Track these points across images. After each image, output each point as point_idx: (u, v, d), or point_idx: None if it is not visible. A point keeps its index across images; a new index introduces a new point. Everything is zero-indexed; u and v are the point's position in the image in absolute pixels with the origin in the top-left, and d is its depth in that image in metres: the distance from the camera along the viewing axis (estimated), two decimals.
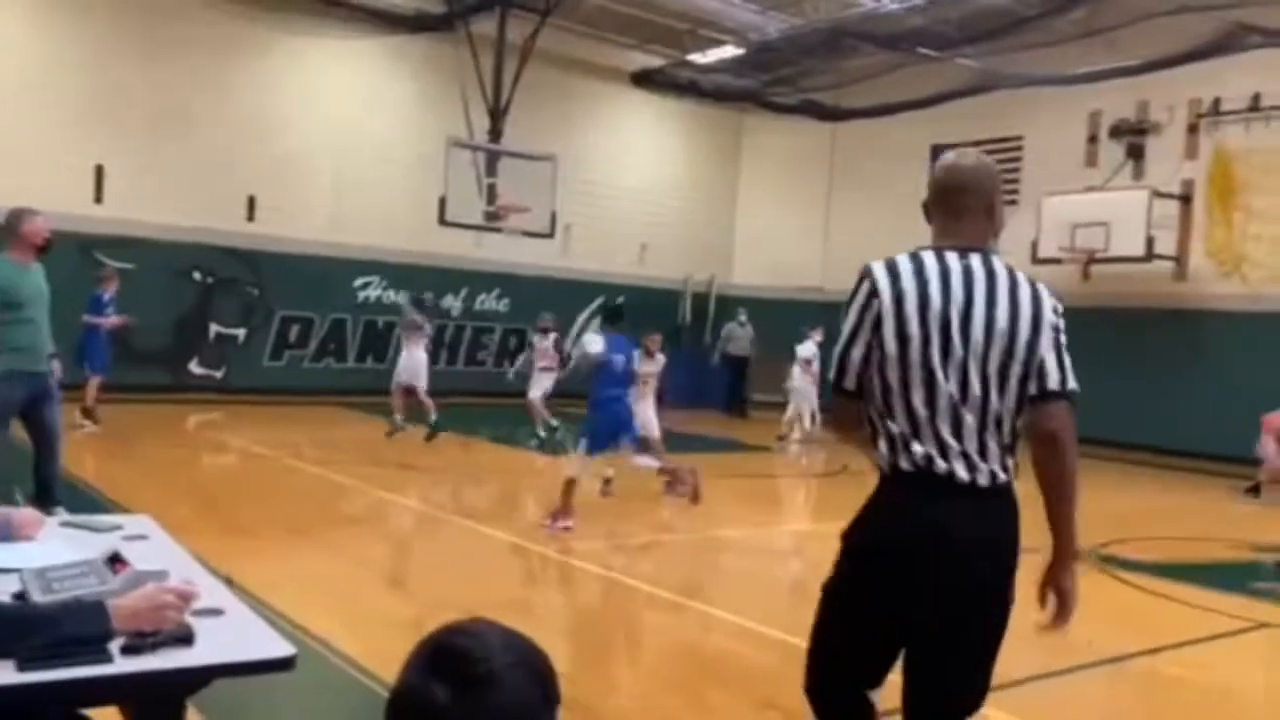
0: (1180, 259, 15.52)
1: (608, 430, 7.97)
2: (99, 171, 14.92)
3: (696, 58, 18.63)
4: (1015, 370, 2.49)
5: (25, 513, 2.82)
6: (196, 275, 15.94)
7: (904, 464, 2.44)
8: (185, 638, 2.00)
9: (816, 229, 21.13)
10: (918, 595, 2.42)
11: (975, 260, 2.56)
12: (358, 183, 17.02)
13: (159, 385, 15.19)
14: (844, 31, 16.44)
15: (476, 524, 7.88)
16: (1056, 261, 15.91)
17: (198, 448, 11.10)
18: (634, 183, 20.20)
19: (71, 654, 1.90)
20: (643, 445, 9.03)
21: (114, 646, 1.95)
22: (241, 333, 16.47)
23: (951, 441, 2.42)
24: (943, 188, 2.66)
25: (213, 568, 2.74)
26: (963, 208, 2.63)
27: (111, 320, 11.60)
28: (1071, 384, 2.54)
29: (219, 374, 16.17)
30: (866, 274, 2.55)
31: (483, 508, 8.49)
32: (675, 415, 16.85)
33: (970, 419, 2.44)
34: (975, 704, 2.56)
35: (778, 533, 7.89)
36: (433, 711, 1.11)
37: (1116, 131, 16.25)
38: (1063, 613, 2.57)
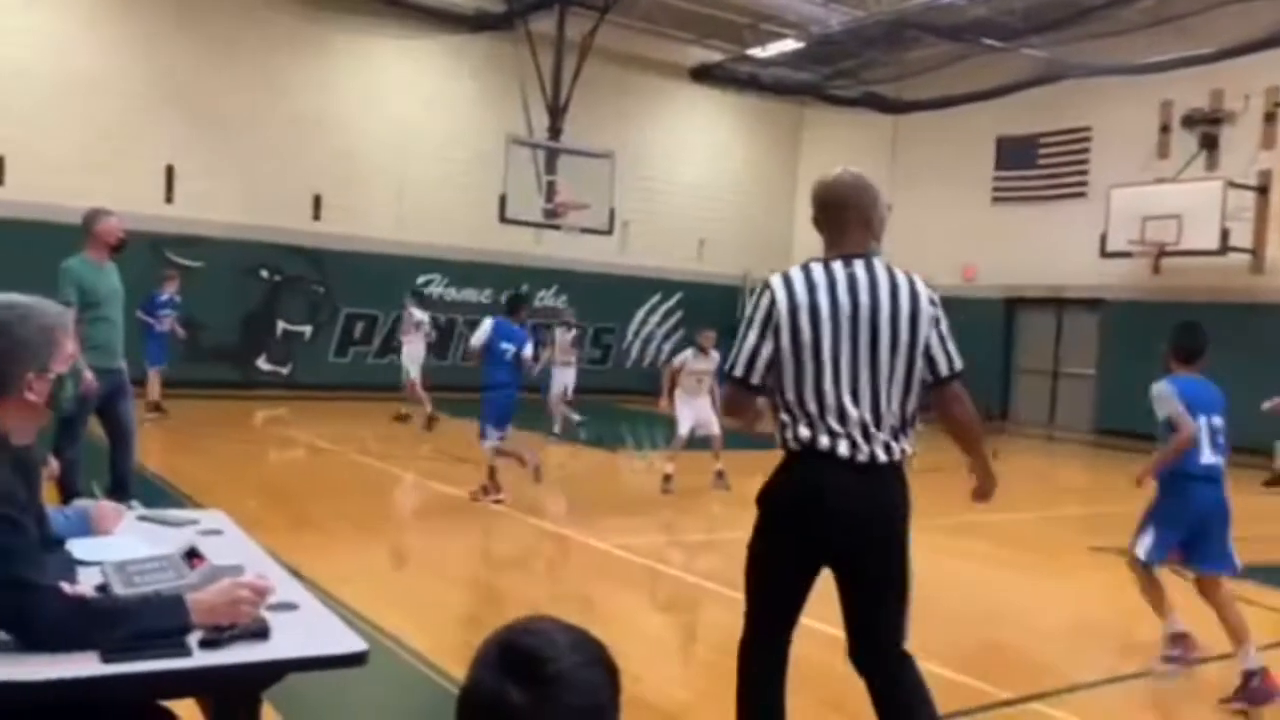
0: (1257, 251, 15.08)
1: (495, 415, 8.19)
2: (169, 172, 15.28)
3: (756, 52, 18.53)
4: (900, 363, 2.91)
5: (104, 506, 2.88)
6: (264, 273, 16.26)
7: (802, 443, 2.90)
8: (261, 632, 2.04)
9: None
10: (814, 547, 2.94)
11: (858, 266, 2.95)
12: (420, 181, 17.22)
13: (228, 381, 15.53)
14: (906, 23, 16.22)
15: (536, 519, 7.93)
16: (1126, 255, 15.56)
17: (265, 442, 11.33)
18: (692, 178, 20.17)
19: (152, 647, 1.95)
20: (705, 443, 9.17)
21: (192, 640, 2.00)
22: (308, 330, 16.77)
23: (838, 427, 2.87)
24: (823, 204, 3.05)
25: (283, 561, 2.79)
26: (844, 221, 3.01)
27: (165, 323, 12.10)
28: (959, 365, 3.01)
29: (286, 370, 16.49)
30: (766, 287, 2.96)
31: (541, 503, 8.55)
32: None
33: (855, 409, 2.87)
34: (895, 634, 2.98)
35: None
36: (506, 712, 1.12)
37: (1189, 121, 15.82)
38: (982, 493, 3.33)
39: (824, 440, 2.86)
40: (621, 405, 16.15)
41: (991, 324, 18.75)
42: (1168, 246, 15.04)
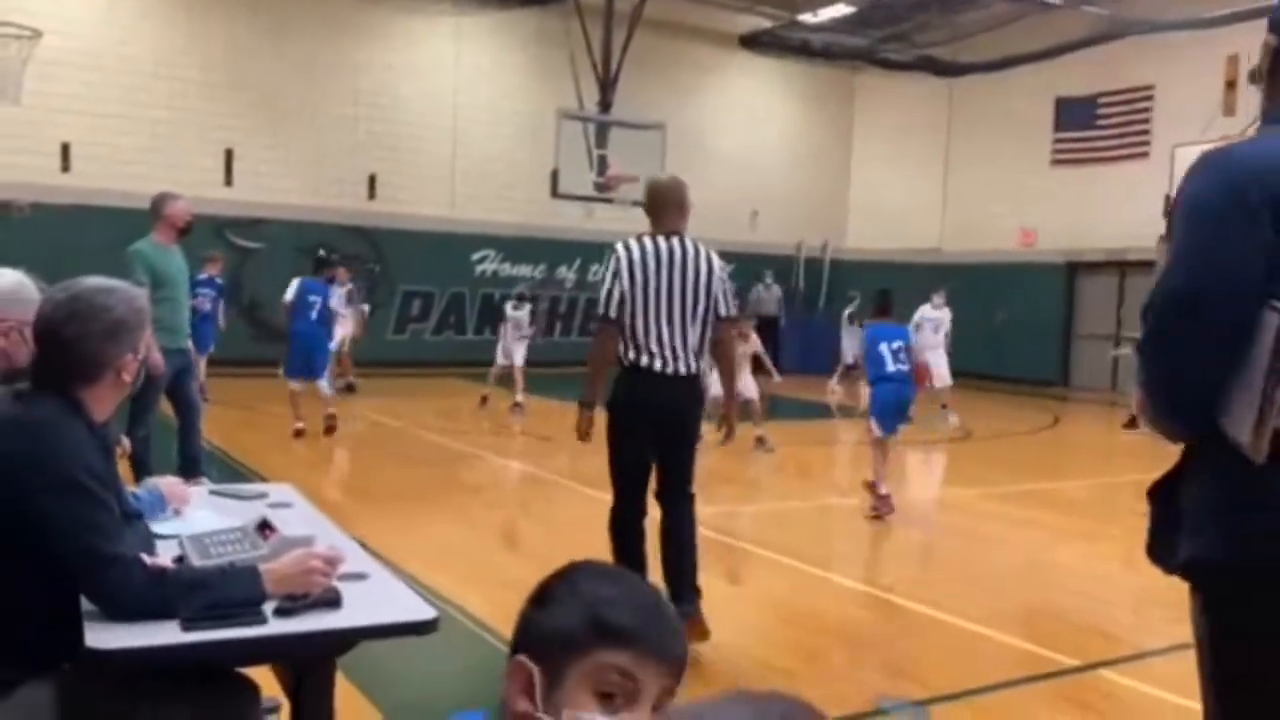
0: None
1: (298, 360, 9.89)
2: (228, 155, 15.53)
3: (807, 17, 18.29)
4: (699, 308, 4.29)
5: (174, 483, 2.97)
6: (322, 253, 16.48)
7: (634, 362, 4.26)
8: (333, 601, 2.10)
9: (934, 189, 20.60)
10: (648, 430, 4.34)
11: (675, 241, 4.34)
12: (472, 159, 17.31)
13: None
14: None
15: (594, 490, 7.99)
16: None
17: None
18: (744, 148, 20.01)
19: (229, 616, 2.01)
20: (745, 411, 9.31)
21: (268, 609, 2.06)
22: (366, 308, 16.99)
23: (656, 349, 4.24)
24: (651, 198, 4.51)
25: (349, 533, 2.85)
26: (664, 208, 4.43)
27: (204, 303, 11.44)
28: (734, 312, 4.55)
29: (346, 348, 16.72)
30: (615, 252, 4.31)
31: (597, 474, 8.61)
32: (788, 381, 16.73)
33: (669, 336, 4.24)
34: (688, 479, 4.47)
35: (898, 501, 7.77)
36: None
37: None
38: (729, 436, 4.66)
39: (645, 359, 4.24)
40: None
41: (1051, 289, 18.43)
42: None
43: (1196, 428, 1.75)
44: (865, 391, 8.14)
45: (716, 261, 4.37)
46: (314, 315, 10.07)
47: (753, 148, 20.12)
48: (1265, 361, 1.62)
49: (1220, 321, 1.66)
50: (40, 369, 2.18)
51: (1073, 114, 17.76)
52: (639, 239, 4.31)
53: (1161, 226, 16.25)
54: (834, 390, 16.21)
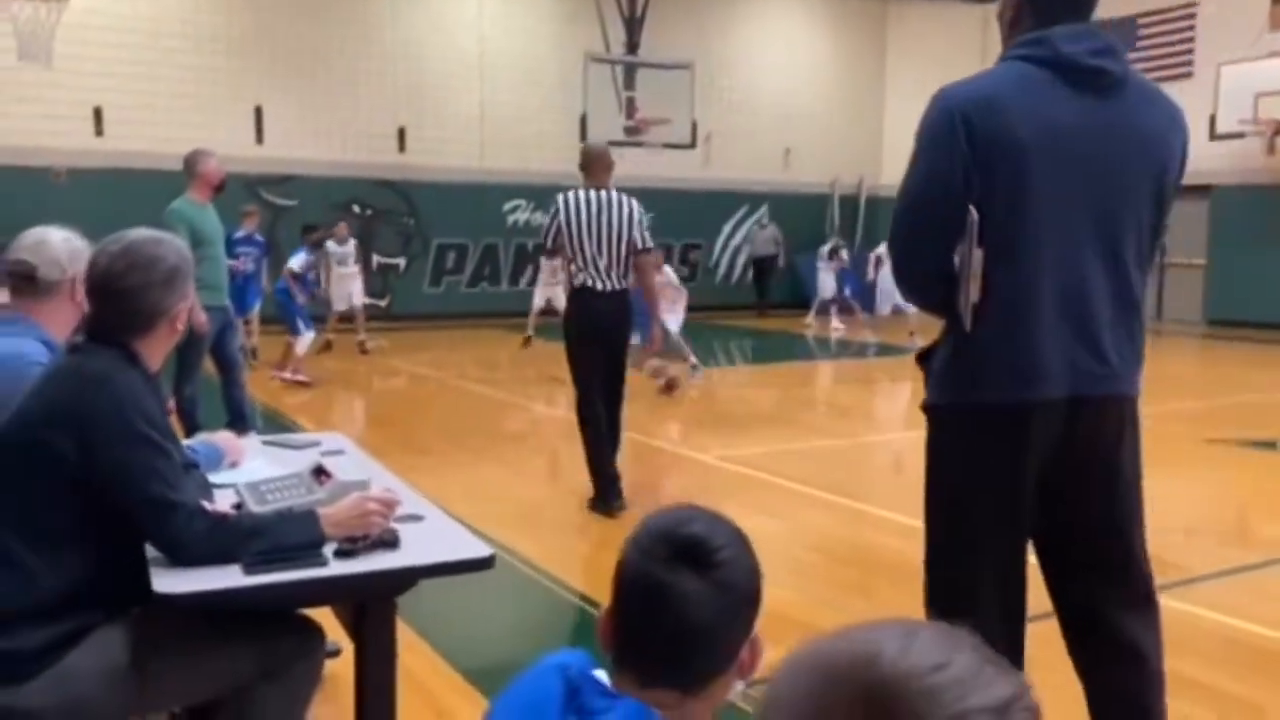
0: None
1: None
2: (258, 113, 15.54)
3: None
4: (621, 240, 5.44)
5: (225, 436, 3.01)
6: (355, 208, 16.53)
7: (579, 283, 5.46)
8: (392, 542, 2.13)
9: None
10: (596, 335, 5.51)
11: (603, 193, 5.50)
12: (500, 106, 17.20)
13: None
14: None
15: (636, 434, 8.04)
16: (1238, 136, 14.81)
17: (369, 373, 11.63)
18: (775, 86, 19.70)
19: (290, 559, 2.05)
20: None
21: (328, 551, 2.10)
22: (401, 262, 17.06)
23: (593, 271, 5.42)
24: (584, 160, 5.67)
25: (401, 478, 2.88)
26: (593, 167, 5.60)
27: (246, 263, 10.88)
28: (651, 244, 5.66)
29: (383, 302, 16.83)
30: (555, 201, 5.51)
31: (636, 418, 8.65)
32: (821, 320, 16.64)
33: (603, 262, 5.41)
34: (622, 381, 5.69)
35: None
36: (681, 601, 1.15)
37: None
38: (656, 343, 6.14)
39: (588, 280, 5.43)
40: (712, 322, 16.13)
41: None
42: None
43: (932, 303, 2.26)
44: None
45: (636, 207, 5.54)
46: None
47: (784, 84, 19.81)
48: (968, 249, 2.10)
49: (935, 220, 2.15)
50: (97, 321, 2.21)
51: (1113, 36, 17.28)
52: (575, 192, 5.50)
53: (1209, 149, 15.89)
54: (809, 324, 16.58)
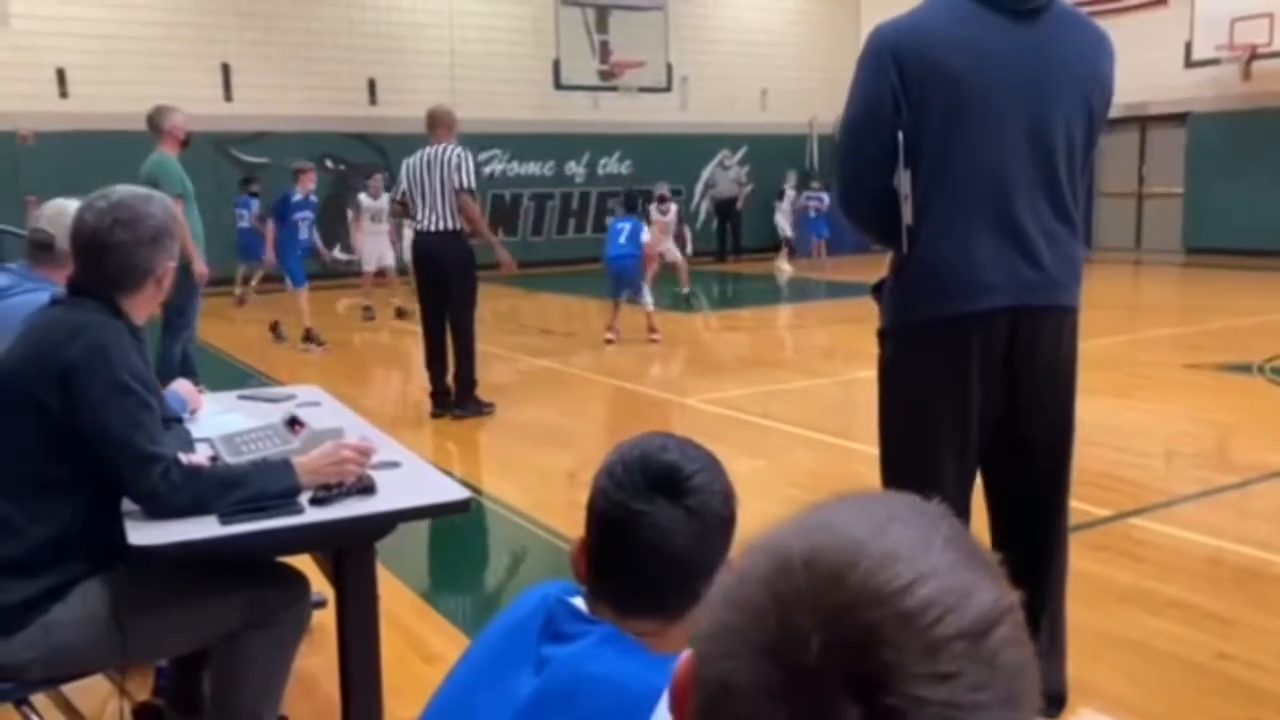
0: None
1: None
2: (225, 70, 15.27)
3: None
4: (446, 185, 6.43)
5: (182, 384, 2.98)
6: (329, 164, 16.32)
7: (416, 223, 6.63)
8: (368, 488, 2.12)
9: None
10: (427, 273, 6.61)
11: (438, 148, 6.57)
12: (471, 55, 16.93)
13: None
14: None
15: (621, 381, 8.03)
16: (1214, 63, 14.73)
17: (350, 329, 11.56)
18: (750, 25, 19.45)
19: (266, 508, 2.04)
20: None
21: (304, 500, 2.09)
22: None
23: (424, 213, 6.49)
24: (430, 117, 6.82)
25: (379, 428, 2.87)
26: (436, 125, 6.70)
27: (305, 229, 10.01)
28: (469, 184, 6.49)
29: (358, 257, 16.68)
30: (405, 161, 6.72)
31: (623, 366, 8.64)
32: (808, 261, 16.61)
33: (424, 207, 6.49)
34: (470, 312, 6.65)
35: None
36: (658, 528, 1.15)
37: None
38: (506, 267, 7.10)
39: (420, 221, 6.53)
40: (695, 267, 16.08)
41: None
42: (1259, 49, 14.18)
43: (877, 230, 2.38)
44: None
45: (456, 155, 6.50)
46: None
47: (759, 24, 19.56)
48: (898, 174, 2.22)
49: (871, 148, 2.28)
50: (82, 278, 2.18)
51: None
52: (420, 152, 6.64)
53: (1185, 77, 15.83)
54: (783, 269, 16.31)
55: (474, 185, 6.54)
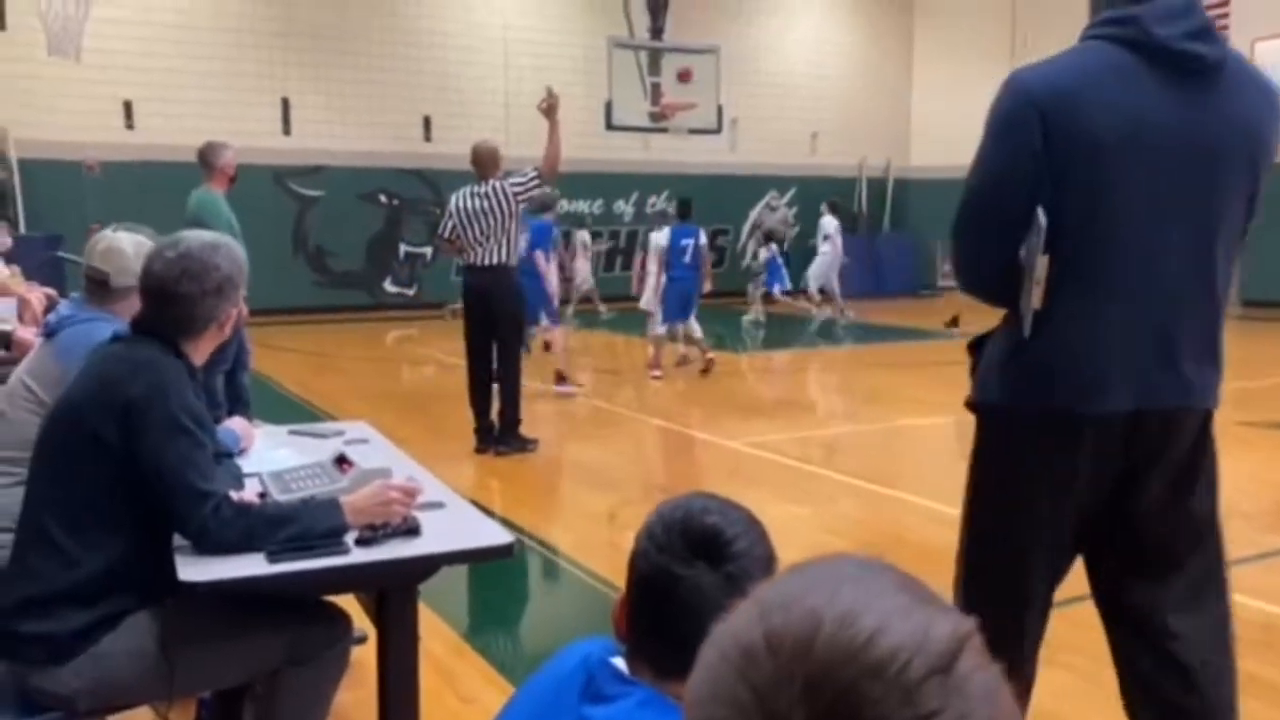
0: None
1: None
2: (285, 104, 15.62)
3: None
4: (501, 223, 6.46)
5: (238, 422, 3.05)
6: (383, 198, 16.61)
7: (467, 261, 6.62)
8: (413, 530, 2.14)
9: None
10: (479, 311, 6.59)
11: (486, 185, 6.53)
12: (525, 95, 17.12)
13: (358, 305, 16.04)
14: None
15: (664, 421, 8.03)
16: None
17: (397, 361, 11.71)
18: (801, 69, 19.55)
19: (312, 547, 2.07)
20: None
21: (349, 539, 2.11)
22: (429, 251, 17.11)
23: (479, 249, 6.48)
24: (475, 154, 6.74)
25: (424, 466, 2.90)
26: (484, 163, 6.64)
27: (554, 262, 9.35)
28: (531, 173, 6.59)
29: (411, 291, 16.91)
30: (452, 199, 6.73)
31: (665, 405, 8.64)
32: (850, 303, 16.53)
33: (481, 247, 6.47)
34: (517, 348, 6.76)
35: (966, 420, 7.67)
36: (699, 594, 1.15)
37: None
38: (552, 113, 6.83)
39: (473, 258, 6.51)
40: (740, 307, 16.08)
41: None
42: None
43: (993, 299, 2.11)
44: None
45: (509, 190, 6.49)
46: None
47: (810, 67, 19.65)
48: (1033, 254, 1.94)
49: (1000, 218, 1.98)
50: (147, 319, 2.25)
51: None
52: (468, 188, 6.62)
53: None
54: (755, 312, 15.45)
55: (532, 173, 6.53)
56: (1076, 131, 1.90)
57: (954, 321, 12.95)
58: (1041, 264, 1.93)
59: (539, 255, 9.06)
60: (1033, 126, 1.91)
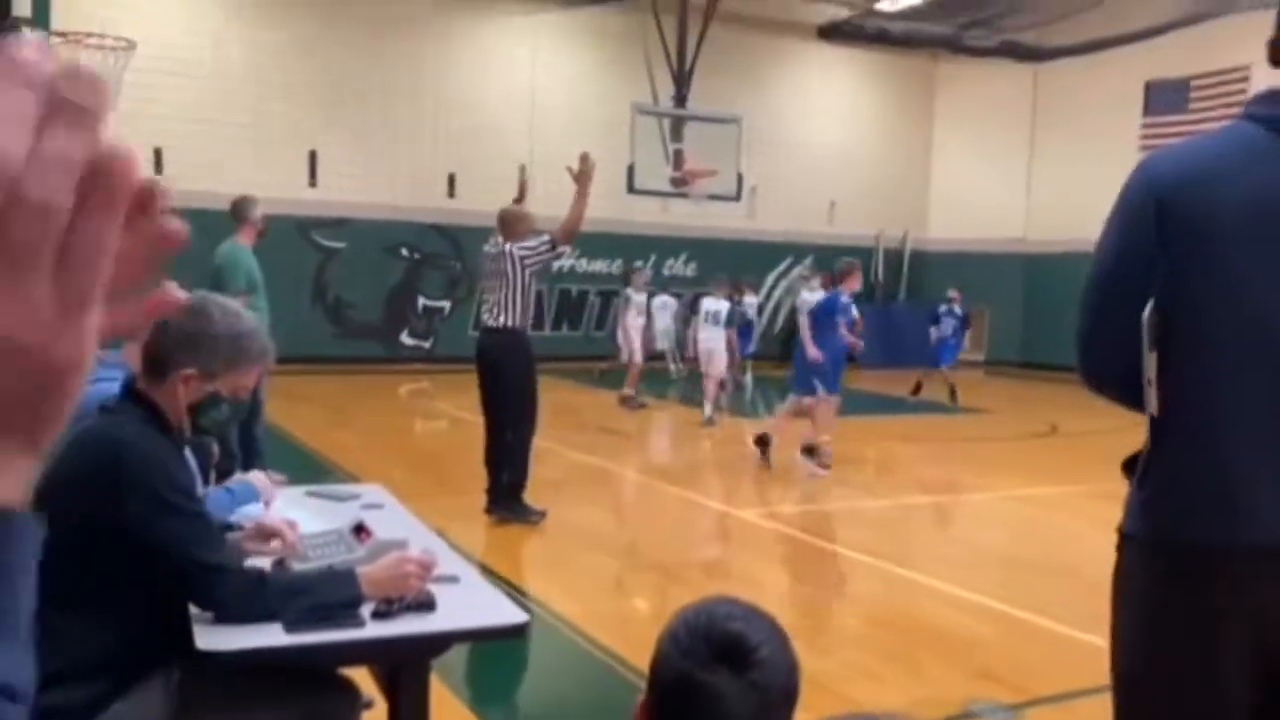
0: None
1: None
2: (312, 157, 15.88)
3: (885, 6, 18.04)
4: (512, 279, 6.43)
5: (257, 476, 3.05)
6: (404, 252, 16.79)
7: (481, 322, 6.82)
8: (428, 604, 2.14)
9: (1018, 177, 20.15)
10: (492, 375, 6.49)
11: (502, 246, 6.48)
12: (548, 155, 17.40)
13: (374, 356, 16.13)
14: None
15: (677, 488, 8.01)
16: None
17: (411, 415, 11.75)
18: (822, 139, 19.79)
19: (329, 618, 2.07)
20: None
21: (365, 612, 2.11)
22: (447, 305, 17.25)
23: (488, 307, 6.56)
24: (500, 218, 6.78)
25: (433, 527, 2.91)
26: (502, 227, 6.70)
27: (844, 330, 8.75)
28: (549, 239, 6.69)
29: (428, 344, 17.02)
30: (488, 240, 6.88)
31: (680, 471, 8.62)
32: (866, 374, 16.53)
33: (498, 300, 6.43)
34: (503, 408, 6.53)
35: (979, 499, 7.64)
36: (722, 701, 1.15)
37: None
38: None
39: (485, 315, 6.59)
40: (754, 374, 16.10)
41: None
42: None
43: (1116, 400, 1.92)
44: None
45: (517, 251, 6.45)
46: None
47: (830, 138, 19.90)
48: (1144, 356, 1.76)
49: (1116, 308, 1.82)
50: (142, 377, 2.24)
51: (1163, 98, 17.20)
52: (491, 240, 6.83)
53: None
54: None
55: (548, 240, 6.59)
56: (1194, 217, 1.73)
57: (917, 389, 13.69)
58: (1150, 363, 1.75)
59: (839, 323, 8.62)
60: (1149, 211, 1.76)
